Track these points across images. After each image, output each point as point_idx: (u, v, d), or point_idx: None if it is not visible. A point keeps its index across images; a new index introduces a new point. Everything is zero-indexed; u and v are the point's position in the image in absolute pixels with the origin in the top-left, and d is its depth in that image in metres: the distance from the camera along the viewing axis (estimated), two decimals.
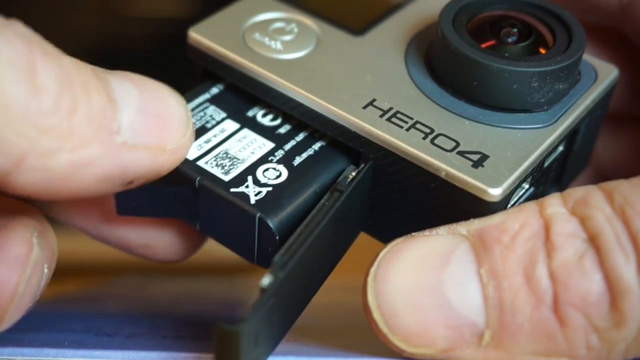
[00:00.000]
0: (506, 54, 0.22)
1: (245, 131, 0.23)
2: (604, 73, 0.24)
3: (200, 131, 0.23)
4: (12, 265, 0.20)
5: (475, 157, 0.21)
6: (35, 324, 0.26)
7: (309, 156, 0.22)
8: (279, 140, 0.23)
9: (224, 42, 0.24)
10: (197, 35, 0.24)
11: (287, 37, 0.24)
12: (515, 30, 0.23)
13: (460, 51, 0.22)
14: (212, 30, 0.24)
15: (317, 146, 0.23)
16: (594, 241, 0.19)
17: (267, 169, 0.22)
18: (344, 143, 0.22)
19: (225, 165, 0.22)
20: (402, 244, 0.20)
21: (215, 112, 0.23)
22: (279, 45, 0.24)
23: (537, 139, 0.21)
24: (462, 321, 0.19)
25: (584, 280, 0.18)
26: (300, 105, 0.22)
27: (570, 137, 0.23)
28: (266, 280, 0.18)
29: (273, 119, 0.23)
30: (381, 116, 0.22)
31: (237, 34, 0.24)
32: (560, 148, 0.23)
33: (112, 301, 0.37)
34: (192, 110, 0.23)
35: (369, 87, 0.23)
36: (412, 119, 0.22)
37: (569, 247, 0.19)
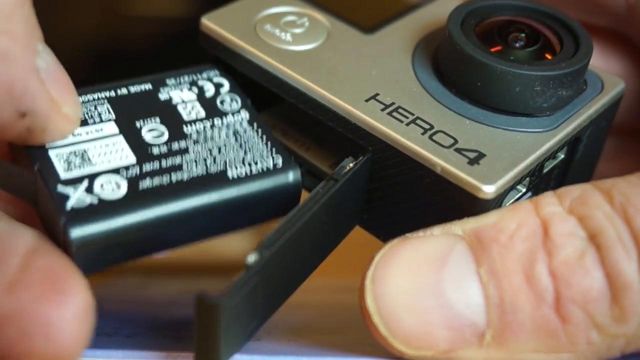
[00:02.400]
0: (512, 58, 0.22)
1: (119, 138, 0.22)
2: (610, 85, 0.24)
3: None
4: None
5: (472, 155, 0.21)
6: None
7: (158, 187, 0.21)
8: (144, 158, 0.21)
9: (234, 31, 0.24)
10: (209, 22, 0.25)
11: (298, 30, 0.25)
12: (522, 35, 0.23)
13: (465, 51, 0.22)
14: (224, 19, 0.25)
15: (174, 178, 0.21)
16: (594, 239, 0.19)
17: (108, 182, 0.21)
18: (345, 135, 0.22)
19: (72, 163, 0.21)
20: (397, 245, 0.20)
21: (105, 112, 0.23)
22: (288, 37, 0.24)
23: (536, 142, 0.21)
24: (463, 321, 0.19)
25: (585, 277, 0.19)
26: (303, 95, 0.23)
27: (572, 146, 0.24)
28: (251, 257, 0.19)
29: (157, 136, 0.22)
30: (382, 110, 0.22)
31: (249, 24, 0.25)
32: (562, 155, 0.23)
33: (112, 301, 0.37)
34: (85, 102, 0.23)
35: (374, 82, 0.23)
36: (413, 114, 0.22)
37: (569, 245, 0.19)
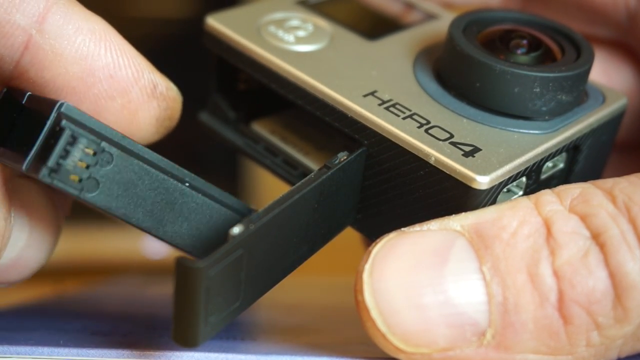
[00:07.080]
0: (512, 61, 0.22)
1: None
2: (612, 98, 0.24)
3: None
4: None
5: (467, 148, 0.21)
6: (33, 323, 0.26)
7: None
8: None
9: (238, 31, 0.25)
10: (214, 22, 0.25)
11: (301, 33, 0.25)
12: (524, 41, 0.23)
13: (465, 51, 0.22)
14: (229, 20, 0.25)
15: None
16: (598, 239, 0.19)
17: None
18: (341, 130, 0.22)
19: None
20: (395, 239, 0.20)
21: None
22: (291, 38, 0.25)
23: (533, 142, 0.21)
24: (464, 320, 0.19)
25: (589, 277, 0.18)
26: (301, 90, 0.23)
27: (571, 155, 0.23)
28: (236, 229, 0.18)
29: None
30: (380, 105, 0.22)
31: (253, 26, 0.25)
32: (561, 164, 0.23)
33: (112, 301, 0.37)
34: None
35: (373, 81, 0.23)
36: (410, 110, 0.22)
37: (573, 244, 0.19)
